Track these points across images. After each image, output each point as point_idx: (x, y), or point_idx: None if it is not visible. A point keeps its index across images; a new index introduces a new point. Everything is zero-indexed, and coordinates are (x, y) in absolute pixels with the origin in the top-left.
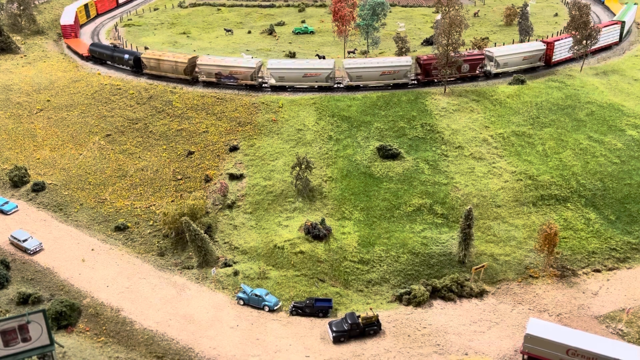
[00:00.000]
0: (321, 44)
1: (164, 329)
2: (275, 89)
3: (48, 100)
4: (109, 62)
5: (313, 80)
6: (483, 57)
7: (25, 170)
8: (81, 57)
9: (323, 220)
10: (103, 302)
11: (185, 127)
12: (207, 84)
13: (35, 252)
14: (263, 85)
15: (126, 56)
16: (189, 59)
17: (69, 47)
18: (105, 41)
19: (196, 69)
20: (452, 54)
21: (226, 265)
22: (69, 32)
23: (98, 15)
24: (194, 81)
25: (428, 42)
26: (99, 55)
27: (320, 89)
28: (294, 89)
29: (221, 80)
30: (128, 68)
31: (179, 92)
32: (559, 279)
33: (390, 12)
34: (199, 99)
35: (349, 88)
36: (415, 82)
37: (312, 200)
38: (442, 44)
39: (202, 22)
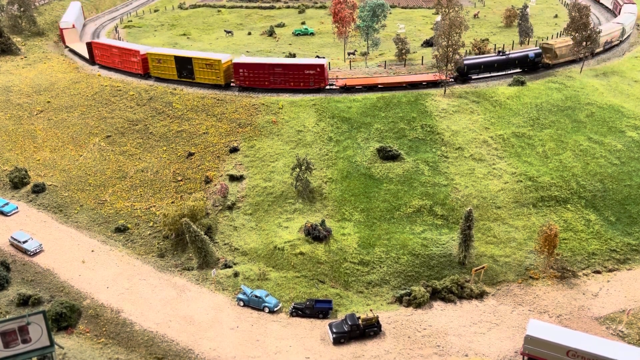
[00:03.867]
0: (321, 46)
1: (164, 330)
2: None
3: (48, 102)
4: None
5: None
6: None
7: (26, 171)
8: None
9: (323, 221)
10: (103, 304)
11: (185, 128)
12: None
13: (35, 254)
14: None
15: None
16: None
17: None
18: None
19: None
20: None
21: (226, 266)
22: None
23: None
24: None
25: (428, 43)
26: None
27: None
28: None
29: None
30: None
31: (179, 94)
32: (559, 280)
33: (390, 13)
34: (199, 100)
35: (346, 90)
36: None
37: (312, 201)
38: (442, 45)
39: (202, 23)
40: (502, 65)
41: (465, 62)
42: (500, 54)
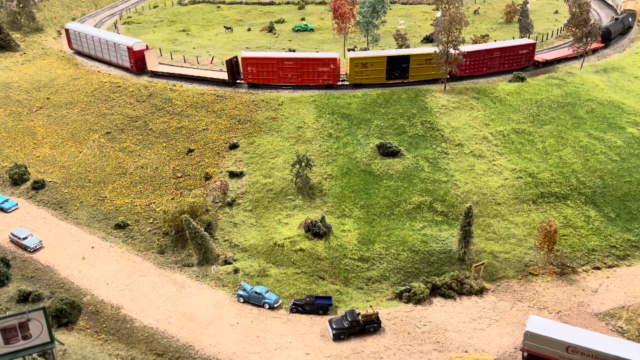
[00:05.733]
0: (321, 42)
1: (164, 326)
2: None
3: (48, 98)
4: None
5: None
6: None
7: (25, 168)
8: None
9: (323, 217)
10: (103, 300)
11: (185, 124)
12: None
13: (35, 250)
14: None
15: None
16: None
17: None
18: None
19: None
20: None
21: (226, 262)
22: None
23: None
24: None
25: (428, 39)
26: None
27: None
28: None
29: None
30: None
31: (178, 90)
32: (559, 276)
33: (390, 9)
34: (198, 97)
35: (347, 85)
36: None
37: (312, 197)
38: (442, 41)
39: (201, 19)
40: (625, 30)
41: (610, 28)
42: (617, 20)
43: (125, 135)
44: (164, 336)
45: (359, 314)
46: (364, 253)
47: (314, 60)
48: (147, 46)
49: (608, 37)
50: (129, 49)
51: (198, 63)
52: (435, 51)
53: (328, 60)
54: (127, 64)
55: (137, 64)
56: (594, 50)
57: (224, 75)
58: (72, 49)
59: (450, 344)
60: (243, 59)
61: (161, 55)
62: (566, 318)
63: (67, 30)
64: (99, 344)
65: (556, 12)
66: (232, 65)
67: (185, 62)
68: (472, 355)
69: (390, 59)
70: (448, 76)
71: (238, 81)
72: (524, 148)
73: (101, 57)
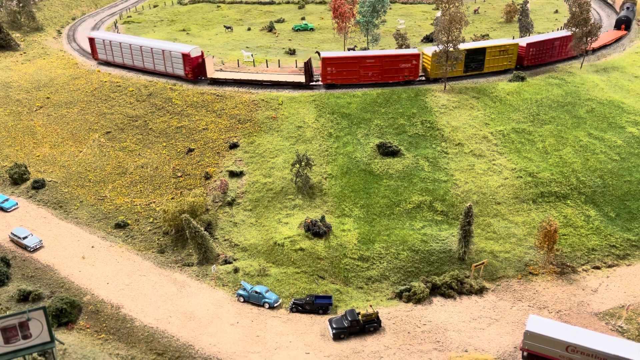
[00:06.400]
0: (321, 41)
1: (164, 326)
2: None
3: (47, 98)
4: None
5: None
6: None
7: (25, 167)
8: None
9: (323, 217)
10: (103, 299)
11: (185, 124)
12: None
13: (35, 250)
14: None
15: None
16: None
17: None
18: None
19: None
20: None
21: (226, 262)
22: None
23: None
24: None
25: (428, 39)
26: None
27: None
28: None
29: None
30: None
31: (178, 90)
32: (559, 276)
33: (390, 9)
34: (198, 96)
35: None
36: None
37: (312, 197)
38: (442, 40)
39: (201, 19)
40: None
41: (628, 15)
42: (628, 9)
43: (125, 135)
44: (164, 335)
45: (359, 313)
46: (364, 252)
47: (396, 57)
48: (202, 52)
49: (628, 25)
50: (185, 55)
51: (254, 66)
52: (508, 43)
53: (411, 57)
54: (181, 72)
55: (194, 71)
56: (619, 39)
57: (298, 78)
58: (96, 59)
59: (450, 343)
60: (323, 59)
61: None
62: (566, 317)
63: (92, 40)
64: (99, 343)
65: (556, 11)
66: (309, 66)
67: (238, 66)
68: (472, 355)
69: (469, 52)
70: (518, 65)
71: (312, 83)
72: (524, 147)
73: (140, 66)
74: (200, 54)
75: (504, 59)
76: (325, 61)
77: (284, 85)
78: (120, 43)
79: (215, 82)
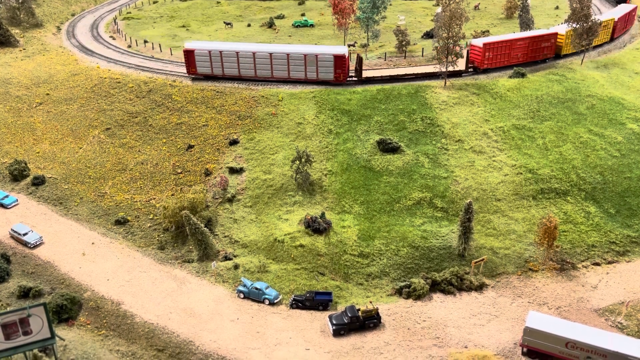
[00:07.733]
0: (321, 37)
1: (164, 322)
2: None
3: (47, 94)
4: None
5: None
6: None
7: (25, 163)
8: None
9: (323, 213)
10: (104, 296)
11: (185, 120)
12: None
13: (35, 246)
14: None
15: None
16: None
17: None
18: (104, 34)
19: None
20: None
21: (226, 258)
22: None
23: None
24: None
25: (428, 35)
26: None
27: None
28: None
29: None
30: None
31: (178, 86)
32: (559, 272)
33: (390, 4)
34: (198, 93)
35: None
36: None
37: (312, 193)
38: (442, 37)
39: (201, 15)
40: None
41: None
42: None
43: (125, 131)
44: (164, 332)
45: (359, 309)
46: (364, 249)
47: (540, 37)
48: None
49: None
50: (338, 57)
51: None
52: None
53: (549, 36)
54: (330, 76)
55: (346, 72)
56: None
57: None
58: (193, 73)
59: (450, 339)
60: (484, 44)
61: (161, 50)
62: (566, 314)
63: (188, 53)
64: (99, 339)
65: (557, 7)
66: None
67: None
68: (472, 351)
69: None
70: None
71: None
72: (524, 144)
73: (266, 75)
74: (346, 53)
75: (604, 34)
76: (486, 46)
77: (424, 77)
78: (238, 52)
79: (369, 81)
